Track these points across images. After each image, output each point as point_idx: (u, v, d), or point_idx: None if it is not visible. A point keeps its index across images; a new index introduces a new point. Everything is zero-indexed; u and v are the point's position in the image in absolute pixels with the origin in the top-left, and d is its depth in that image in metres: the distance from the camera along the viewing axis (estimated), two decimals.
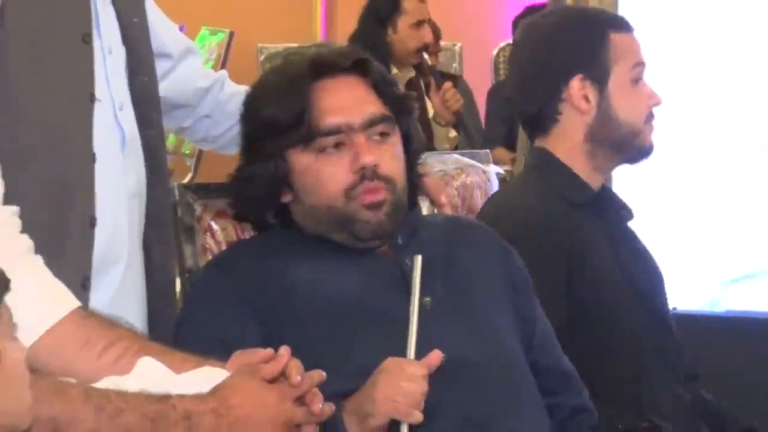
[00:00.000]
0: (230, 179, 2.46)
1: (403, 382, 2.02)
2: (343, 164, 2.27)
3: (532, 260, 2.50)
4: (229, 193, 2.50)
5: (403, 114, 2.41)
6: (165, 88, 2.68)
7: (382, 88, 2.37)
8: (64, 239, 2.26)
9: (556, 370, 2.40)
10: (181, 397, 1.82)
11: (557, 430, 2.34)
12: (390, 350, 2.13)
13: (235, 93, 2.77)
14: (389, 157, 2.31)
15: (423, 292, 2.23)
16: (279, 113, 2.30)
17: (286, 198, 2.37)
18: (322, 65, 2.33)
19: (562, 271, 2.59)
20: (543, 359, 2.39)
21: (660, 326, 2.78)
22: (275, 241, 2.43)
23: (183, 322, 2.41)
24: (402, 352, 2.12)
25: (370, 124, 2.28)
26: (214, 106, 2.77)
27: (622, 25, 2.76)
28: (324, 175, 2.27)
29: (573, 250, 2.62)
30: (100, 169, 2.35)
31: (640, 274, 2.76)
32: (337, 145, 2.26)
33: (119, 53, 2.41)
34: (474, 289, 2.37)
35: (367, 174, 2.25)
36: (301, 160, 2.30)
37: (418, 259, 2.22)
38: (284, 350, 1.86)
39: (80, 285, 2.23)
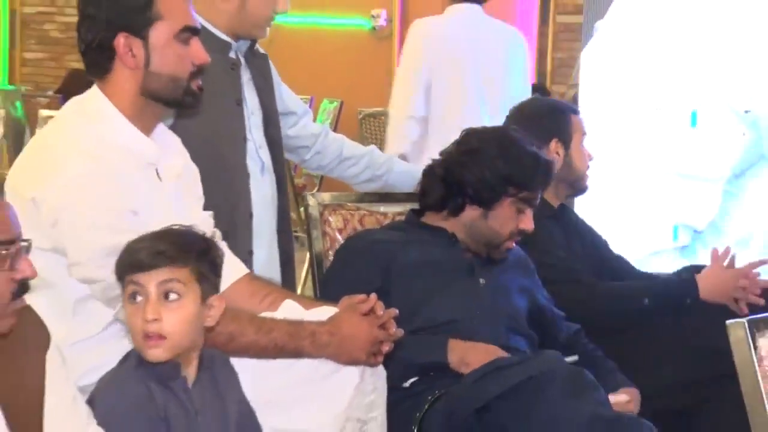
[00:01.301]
0: (432, 177, 2.41)
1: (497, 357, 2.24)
2: (515, 220, 2.35)
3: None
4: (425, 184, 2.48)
5: None
6: (293, 133, 2.84)
7: None
8: (235, 228, 2.47)
9: (557, 315, 2.52)
10: (309, 322, 2.06)
11: (568, 347, 2.43)
12: (449, 311, 2.32)
13: (335, 139, 2.95)
14: None
15: (481, 276, 2.42)
16: (526, 181, 2.35)
17: (469, 210, 2.37)
18: None
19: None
20: (549, 313, 2.51)
21: (600, 276, 2.87)
22: (402, 228, 2.53)
23: (330, 274, 2.56)
24: (448, 313, 2.31)
25: None
26: (323, 147, 2.90)
27: (576, 111, 2.97)
28: (504, 222, 2.35)
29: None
30: (252, 183, 2.59)
31: (586, 253, 2.85)
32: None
33: (258, 114, 2.60)
34: (507, 279, 2.47)
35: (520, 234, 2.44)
36: (505, 206, 2.36)
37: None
38: (373, 296, 2.07)
39: (247, 255, 2.47)
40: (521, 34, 4.23)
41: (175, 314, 1.75)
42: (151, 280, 1.74)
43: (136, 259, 1.77)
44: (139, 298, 1.76)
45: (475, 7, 3.74)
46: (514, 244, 2.51)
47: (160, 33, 2.04)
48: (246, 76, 2.62)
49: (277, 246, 2.68)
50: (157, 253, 1.76)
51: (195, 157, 2.28)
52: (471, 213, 2.42)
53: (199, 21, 2.26)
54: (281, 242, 2.71)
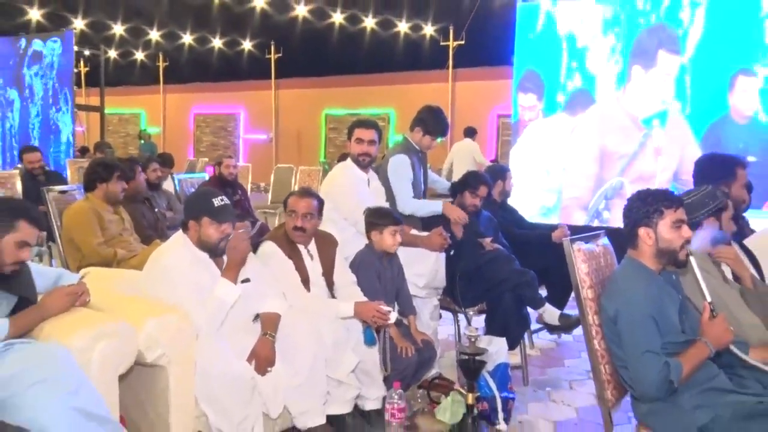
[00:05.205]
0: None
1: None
2: (471, 199, 3.57)
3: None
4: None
5: None
6: (432, 180, 3.69)
7: None
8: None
9: (503, 242, 3.40)
10: (420, 235, 3.24)
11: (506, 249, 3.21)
12: (468, 234, 3.43)
13: (437, 180, 3.91)
14: None
15: (478, 222, 3.43)
16: (466, 186, 3.57)
17: (459, 196, 3.35)
18: None
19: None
20: (500, 239, 3.34)
21: (518, 226, 3.99)
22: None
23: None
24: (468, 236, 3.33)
25: None
26: (437, 183, 3.80)
27: (508, 169, 4.14)
28: (466, 201, 3.59)
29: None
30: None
31: (513, 218, 3.92)
32: None
33: (421, 169, 3.53)
34: (484, 226, 3.43)
35: (474, 206, 3.36)
36: (466, 194, 3.58)
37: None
38: (440, 228, 3.19)
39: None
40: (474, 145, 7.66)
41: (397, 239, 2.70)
42: (391, 230, 2.80)
43: (395, 220, 2.83)
44: (389, 233, 2.84)
45: (467, 140, 7.59)
46: (480, 211, 3.36)
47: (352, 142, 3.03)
48: (423, 157, 3.40)
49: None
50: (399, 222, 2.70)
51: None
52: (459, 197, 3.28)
53: (409, 138, 3.36)
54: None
